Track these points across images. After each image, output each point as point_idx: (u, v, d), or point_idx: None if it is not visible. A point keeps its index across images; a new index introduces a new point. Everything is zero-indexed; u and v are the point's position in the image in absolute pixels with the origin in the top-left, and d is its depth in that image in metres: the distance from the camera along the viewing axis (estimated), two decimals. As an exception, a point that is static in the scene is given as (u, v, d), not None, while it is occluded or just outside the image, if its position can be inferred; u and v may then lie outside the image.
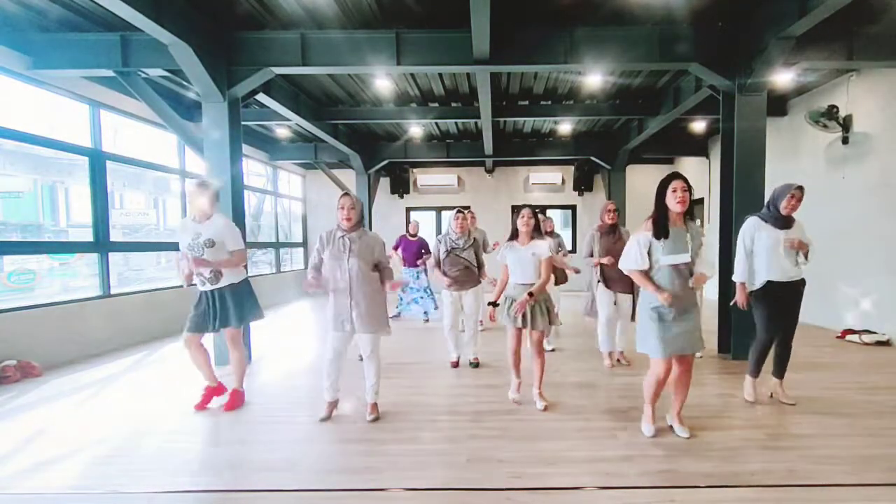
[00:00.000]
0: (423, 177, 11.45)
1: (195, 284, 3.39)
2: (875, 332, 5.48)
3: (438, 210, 11.62)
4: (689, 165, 10.44)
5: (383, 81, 6.08)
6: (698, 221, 4.47)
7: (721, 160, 5.05)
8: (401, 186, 11.33)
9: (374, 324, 3.17)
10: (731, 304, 3.63)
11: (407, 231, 7.18)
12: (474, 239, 4.57)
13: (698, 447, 2.80)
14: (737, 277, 3.47)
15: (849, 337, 5.60)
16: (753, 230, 3.39)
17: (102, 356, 5.23)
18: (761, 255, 3.35)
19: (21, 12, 4.35)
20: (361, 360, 3.41)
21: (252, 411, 3.50)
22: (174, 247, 3.82)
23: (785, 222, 3.31)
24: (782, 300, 3.37)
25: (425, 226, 9.43)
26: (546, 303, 3.43)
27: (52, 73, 4.83)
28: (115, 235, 5.99)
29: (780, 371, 3.56)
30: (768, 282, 3.34)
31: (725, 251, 4.91)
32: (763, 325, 3.44)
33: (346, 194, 3.19)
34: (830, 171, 6.40)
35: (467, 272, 4.50)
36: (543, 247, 3.39)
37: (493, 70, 5.05)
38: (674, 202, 2.70)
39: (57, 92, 5.18)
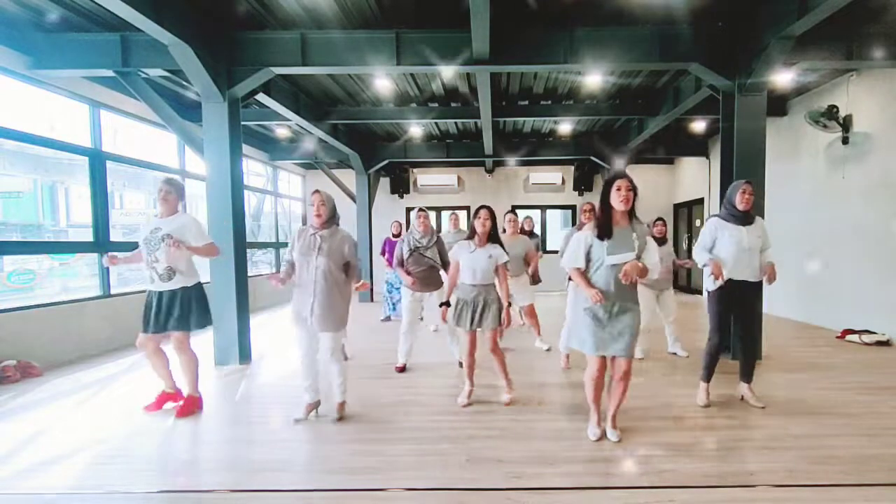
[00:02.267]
0: (422, 177, 11.45)
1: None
2: (875, 332, 5.48)
3: (438, 210, 11.62)
4: (689, 165, 10.45)
5: (383, 81, 6.08)
6: (646, 224, 4.63)
7: (721, 160, 5.05)
8: (401, 186, 11.32)
9: (333, 323, 3.12)
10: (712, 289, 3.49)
11: (391, 232, 7.19)
12: (438, 237, 4.48)
13: (698, 447, 2.80)
14: (702, 260, 3.37)
15: (849, 337, 5.59)
16: (715, 231, 3.36)
17: (102, 356, 5.23)
18: (723, 254, 3.32)
19: (21, 12, 4.35)
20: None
21: (252, 411, 3.50)
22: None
23: (745, 219, 3.32)
24: (742, 300, 3.36)
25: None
26: (495, 302, 3.43)
27: (52, 73, 4.83)
28: (115, 235, 5.99)
29: (747, 375, 3.50)
30: (730, 280, 3.32)
31: (725, 251, 4.91)
32: (717, 325, 3.39)
33: (317, 191, 3.16)
34: (830, 171, 6.39)
35: (431, 272, 4.42)
36: (500, 251, 3.40)
37: (493, 70, 5.04)
38: (617, 201, 2.66)
39: (57, 92, 5.18)
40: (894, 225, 5.46)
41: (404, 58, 4.73)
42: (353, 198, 10.35)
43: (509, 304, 3.49)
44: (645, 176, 11.00)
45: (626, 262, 2.63)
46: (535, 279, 5.67)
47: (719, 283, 3.33)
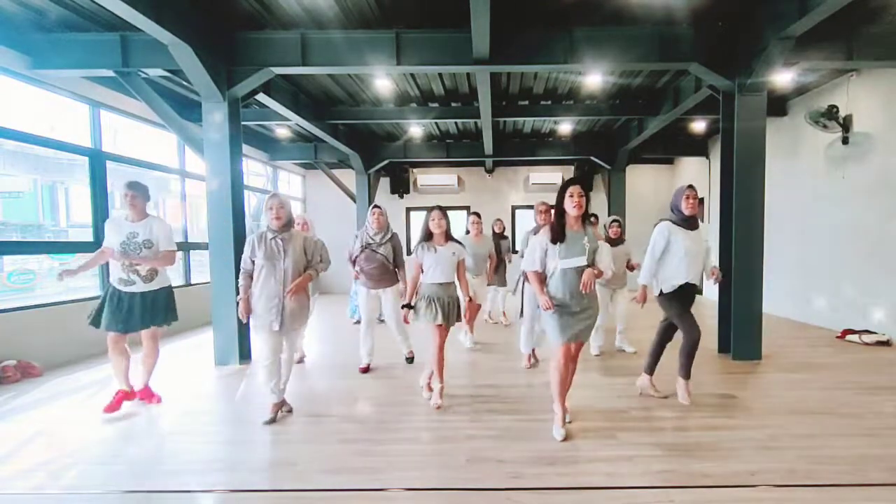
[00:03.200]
0: (423, 177, 11.45)
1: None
2: (875, 332, 5.48)
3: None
4: (689, 165, 10.45)
5: (383, 81, 6.08)
6: (598, 226, 4.74)
7: (721, 160, 5.05)
8: (401, 186, 11.32)
9: (301, 321, 3.33)
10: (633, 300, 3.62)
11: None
12: (392, 234, 4.42)
13: (698, 447, 2.80)
14: (643, 279, 3.49)
15: (849, 337, 5.59)
16: (668, 234, 3.41)
17: (102, 356, 5.21)
18: (677, 257, 3.37)
19: (21, 12, 4.35)
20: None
21: (252, 411, 3.49)
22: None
23: (691, 223, 3.41)
24: (688, 301, 3.46)
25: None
26: (456, 299, 3.57)
27: (52, 73, 4.83)
28: (115, 235, 5.97)
29: (685, 370, 3.57)
30: (686, 283, 3.39)
31: (726, 251, 4.91)
32: (689, 324, 3.45)
33: (275, 195, 3.24)
34: (830, 171, 6.39)
35: (383, 269, 4.35)
36: (461, 247, 3.53)
37: (493, 70, 5.04)
38: (570, 206, 2.80)
39: (57, 92, 5.17)
40: (894, 225, 5.46)
41: (404, 58, 4.73)
42: (353, 198, 10.36)
43: (470, 300, 3.59)
44: (645, 176, 11.01)
45: (577, 266, 2.80)
46: (494, 281, 5.97)
47: (677, 284, 3.41)
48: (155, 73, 4.92)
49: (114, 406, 3.47)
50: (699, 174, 9.79)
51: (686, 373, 3.54)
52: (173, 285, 3.72)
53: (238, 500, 2.34)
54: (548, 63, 4.84)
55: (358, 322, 7.10)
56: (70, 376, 4.48)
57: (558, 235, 2.82)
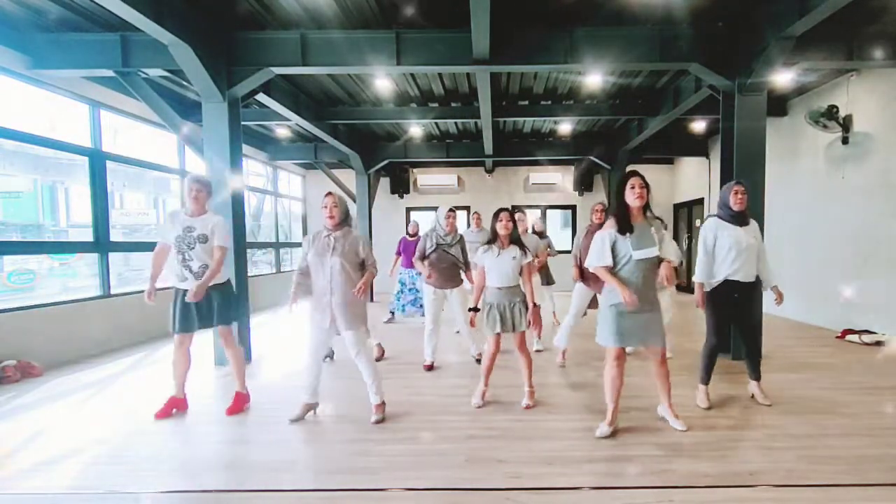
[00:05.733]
0: (423, 177, 11.46)
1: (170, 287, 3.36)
2: (875, 332, 5.48)
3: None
4: (689, 165, 10.45)
5: (383, 81, 6.08)
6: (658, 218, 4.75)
7: (721, 160, 5.05)
8: (401, 186, 11.33)
9: (354, 321, 3.16)
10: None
11: (407, 231, 7.15)
12: (461, 237, 4.57)
13: (698, 447, 2.80)
14: (697, 277, 3.46)
15: (849, 337, 5.59)
16: (716, 229, 3.39)
17: (102, 356, 5.23)
18: (722, 253, 3.35)
19: (21, 12, 4.35)
20: (327, 359, 3.36)
21: (252, 411, 3.50)
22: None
23: (740, 219, 3.36)
24: (739, 301, 3.37)
25: (426, 226, 9.42)
26: (522, 304, 3.44)
27: (52, 73, 4.83)
28: (115, 235, 5.99)
29: (754, 372, 3.54)
30: (725, 280, 3.34)
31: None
32: (715, 327, 3.41)
33: (330, 193, 3.19)
34: (830, 171, 6.39)
35: (453, 269, 4.48)
36: (522, 251, 3.41)
37: (493, 70, 5.04)
38: (632, 197, 2.78)
39: (57, 92, 5.18)
40: (894, 225, 5.46)
41: (404, 58, 4.73)
42: (353, 198, 10.36)
43: (536, 305, 3.45)
44: (645, 176, 10.98)
45: (650, 257, 2.77)
46: (548, 279, 5.85)
47: (717, 281, 3.37)
48: (155, 73, 4.92)
49: (164, 412, 3.39)
50: (699, 174, 9.79)
51: (702, 377, 3.49)
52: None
53: (238, 500, 2.34)
54: (548, 63, 4.84)
55: (389, 321, 7.16)
56: (70, 376, 4.48)
57: (625, 226, 2.77)
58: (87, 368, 4.76)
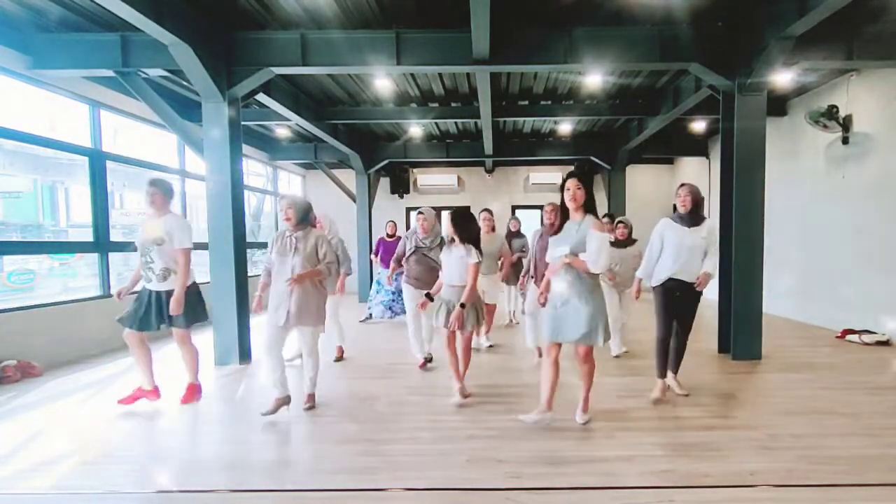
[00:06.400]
0: (423, 177, 11.45)
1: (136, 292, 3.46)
2: (875, 332, 5.48)
3: (438, 210, 11.62)
4: (689, 165, 10.44)
5: (383, 81, 6.07)
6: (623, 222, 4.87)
7: (721, 160, 5.05)
8: (401, 186, 11.31)
9: (310, 318, 3.27)
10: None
11: (385, 232, 7.17)
12: (441, 239, 4.46)
13: (698, 447, 2.80)
14: (638, 273, 3.75)
15: (849, 337, 5.59)
16: (663, 230, 3.53)
17: (102, 356, 5.23)
18: (665, 253, 3.48)
19: (21, 12, 4.35)
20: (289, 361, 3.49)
21: (252, 411, 3.49)
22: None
23: (689, 220, 3.45)
24: (681, 298, 3.48)
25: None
26: (475, 304, 3.50)
27: (52, 73, 4.83)
28: (115, 235, 5.98)
29: (675, 365, 3.66)
30: (670, 278, 3.45)
31: (725, 252, 4.90)
32: (658, 321, 3.55)
33: (283, 197, 3.34)
34: (830, 171, 6.39)
35: (432, 273, 4.32)
36: (467, 251, 3.44)
37: (493, 70, 5.04)
38: (567, 199, 2.91)
39: (57, 92, 5.17)
40: (894, 225, 5.46)
41: (404, 58, 4.72)
42: (353, 198, 10.35)
43: (462, 307, 3.39)
44: (645, 176, 11.00)
45: (561, 256, 2.86)
46: (511, 280, 5.98)
47: (662, 279, 3.50)
48: (155, 73, 4.92)
49: (129, 399, 3.47)
50: (699, 174, 9.78)
51: (658, 372, 3.60)
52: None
53: (238, 500, 2.34)
54: (548, 63, 4.84)
55: (365, 320, 7.14)
56: (70, 376, 4.48)
57: (557, 229, 2.96)
58: (87, 368, 4.76)
